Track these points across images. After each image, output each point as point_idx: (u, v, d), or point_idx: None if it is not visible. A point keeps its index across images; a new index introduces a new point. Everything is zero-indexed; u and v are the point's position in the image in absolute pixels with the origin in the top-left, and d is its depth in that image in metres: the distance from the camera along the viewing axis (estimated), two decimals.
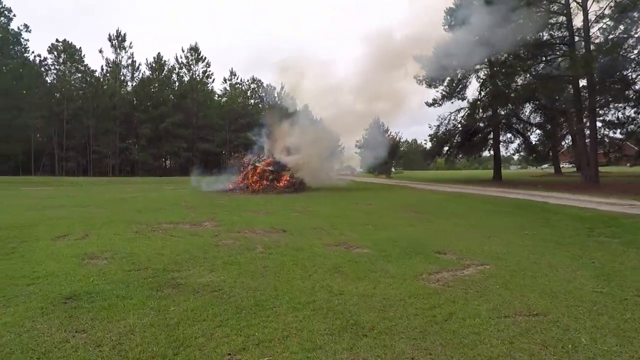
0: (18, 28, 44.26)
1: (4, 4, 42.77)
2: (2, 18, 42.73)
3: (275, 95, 74.90)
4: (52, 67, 47.64)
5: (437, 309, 3.01)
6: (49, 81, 47.51)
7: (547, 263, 4.36)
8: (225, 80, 65.11)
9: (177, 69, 56.24)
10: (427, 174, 74.37)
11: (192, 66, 56.70)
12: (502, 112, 28.07)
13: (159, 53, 56.49)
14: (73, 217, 7.66)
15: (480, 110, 29.75)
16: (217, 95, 63.50)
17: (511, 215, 8.59)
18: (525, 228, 6.84)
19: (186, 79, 56.86)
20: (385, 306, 3.04)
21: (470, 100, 30.16)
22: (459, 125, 30.06)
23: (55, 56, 47.16)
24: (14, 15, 43.67)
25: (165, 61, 54.84)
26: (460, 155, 33.83)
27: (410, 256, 4.70)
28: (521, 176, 40.58)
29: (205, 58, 57.21)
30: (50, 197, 13.15)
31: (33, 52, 46.44)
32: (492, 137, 30.37)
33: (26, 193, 15.70)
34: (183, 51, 59.43)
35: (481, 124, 30.07)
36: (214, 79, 63.48)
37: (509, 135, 31.35)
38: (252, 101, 69.21)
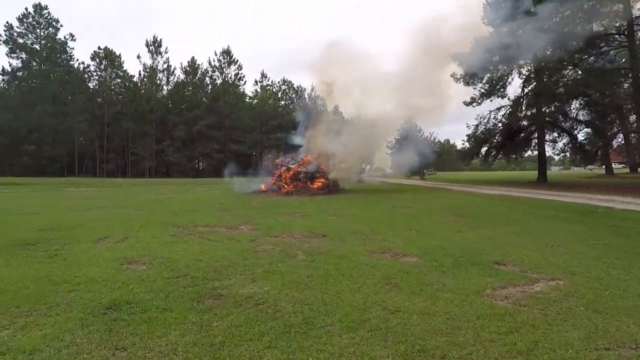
0: (64, 37, 47.50)
1: (52, 15, 45.99)
2: (50, 29, 45.94)
3: (306, 96, 75.80)
4: (95, 74, 50.67)
5: (515, 334, 2.58)
6: (91, 87, 50.50)
7: (638, 280, 3.75)
8: (256, 82, 66.35)
9: (210, 72, 57.99)
10: (462, 175, 71.68)
11: (224, 69, 58.19)
12: (548, 110, 26.26)
13: (192, 57, 58.50)
14: (113, 219, 7.80)
15: (524, 108, 28.15)
16: (248, 97, 64.75)
17: (571, 222, 7.80)
18: (592, 237, 6.12)
19: (219, 81, 58.42)
20: (452, 328, 2.65)
21: (512, 98, 28.65)
22: (500, 124, 28.56)
23: (97, 63, 50.12)
24: (61, 26, 46.87)
25: (198, 65, 56.74)
26: (500, 156, 32.18)
27: (466, 267, 4.25)
28: (567, 177, 38.08)
29: (237, 61, 58.61)
30: (92, 199, 13.70)
31: (77, 60, 49.58)
32: (536, 136, 28.56)
33: (70, 194, 16.52)
34: (216, 54, 61.29)
35: (524, 123, 28.39)
36: (245, 81, 64.74)
37: (554, 134, 29.40)
38: (282, 102, 70.01)
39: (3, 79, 46.95)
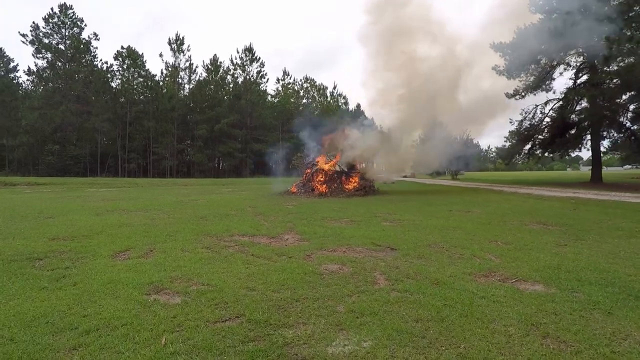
0: (88, 37, 48.37)
1: (76, 14, 46.91)
2: (75, 28, 46.89)
3: (328, 94, 74.62)
4: (117, 73, 51.35)
5: None
6: (114, 86, 51.23)
7: None
8: (278, 80, 65.87)
9: (231, 70, 57.81)
10: (492, 175, 68.50)
11: (246, 67, 57.84)
12: (606, 103, 23.91)
13: (214, 54, 58.61)
14: (135, 225, 6.89)
15: (576, 101, 25.91)
16: (270, 96, 64.33)
17: None
18: None
19: (240, 79, 58.19)
20: None
21: (563, 90, 26.46)
22: (548, 119, 26.43)
23: (120, 62, 50.78)
24: (85, 25, 47.74)
25: (220, 62, 56.64)
26: (547, 154, 29.92)
27: (634, 304, 2.97)
28: (620, 178, 35.19)
29: (259, 58, 58.12)
30: (113, 200, 13.04)
31: (101, 60, 50.42)
32: (589, 132, 26.22)
33: (91, 195, 16.03)
34: (238, 52, 61.19)
35: (574, 117, 26.16)
36: (268, 79, 64.45)
37: (611, 130, 26.91)
38: (304, 101, 69.21)
39: (29, 79, 48.37)
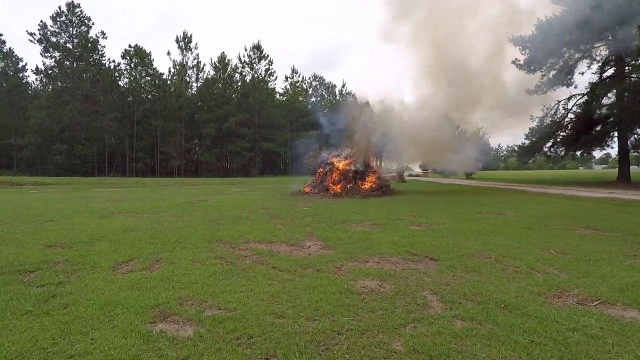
0: (96, 35, 48.46)
1: (84, 13, 47.05)
2: (82, 27, 47.03)
3: (337, 92, 73.90)
4: (125, 72, 51.43)
5: None
6: (121, 85, 51.33)
7: None
8: (286, 78, 65.42)
9: (239, 68, 57.50)
10: (506, 174, 66.90)
11: (254, 65, 57.49)
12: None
13: (222, 52, 58.40)
14: (141, 229, 6.36)
15: (603, 96, 24.80)
16: (278, 94, 63.91)
17: None
18: None
19: (248, 77, 57.87)
20: None
21: (587, 85, 25.39)
22: (572, 116, 25.37)
23: (128, 61, 50.84)
24: (93, 24, 47.87)
25: (228, 60, 56.36)
26: (570, 152, 28.82)
27: None
28: None
29: (267, 56, 57.70)
30: (119, 201, 12.62)
31: (108, 59, 50.57)
32: (617, 128, 25.07)
33: (97, 195, 15.67)
34: (246, 50, 60.93)
35: (601, 113, 25.02)
36: (276, 77, 64.07)
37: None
38: (313, 99, 68.67)
39: (37, 78, 48.67)
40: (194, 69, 55.63)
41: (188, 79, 56.00)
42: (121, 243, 5.16)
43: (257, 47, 57.24)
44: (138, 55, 50.59)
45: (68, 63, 47.11)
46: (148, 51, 51.49)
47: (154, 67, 52.16)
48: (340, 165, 15.90)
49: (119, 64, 50.83)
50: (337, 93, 73.12)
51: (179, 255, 4.51)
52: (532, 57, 25.70)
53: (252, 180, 37.09)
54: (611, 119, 24.42)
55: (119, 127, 48.08)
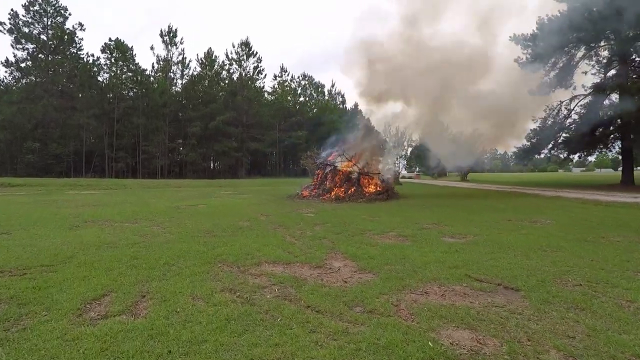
0: (73, 27, 46.23)
1: (60, 2, 44.76)
2: (58, 17, 44.75)
3: (326, 92, 72.96)
4: (105, 67, 49.24)
5: None
6: (101, 80, 49.10)
7: None
8: (275, 77, 64.11)
9: (227, 65, 55.90)
10: (499, 176, 67.06)
11: (242, 62, 55.99)
12: None
13: (209, 48, 56.64)
14: (120, 244, 5.17)
15: (606, 97, 24.53)
16: (267, 93, 62.59)
17: None
18: None
19: (236, 75, 56.33)
20: None
21: (591, 85, 25.06)
22: (576, 116, 25.02)
23: (108, 55, 48.66)
24: (69, 14, 45.61)
25: (216, 57, 54.72)
26: (571, 154, 28.56)
27: None
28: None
29: (256, 53, 56.28)
30: (95, 206, 11.27)
31: (87, 52, 48.34)
32: (621, 130, 24.82)
33: (71, 199, 14.21)
34: (234, 46, 59.43)
35: (605, 114, 24.73)
36: (265, 74, 62.67)
37: None
38: (302, 99, 67.55)
39: (7, 71, 46.04)
40: (179, 65, 53.81)
41: (173, 76, 54.12)
42: (94, 267, 3.97)
43: (246, 44, 55.82)
44: (119, 50, 48.50)
45: (42, 56, 44.73)
46: (130, 46, 49.52)
47: (136, 62, 50.16)
48: (343, 167, 14.87)
49: (98, 58, 48.71)
50: (326, 93, 72.31)
51: (173, 286, 3.36)
52: (533, 56, 25.27)
53: (241, 181, 35.69)
54: (616, 121, 24.16)
55: (97, 125, 45.92)
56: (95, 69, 48.49)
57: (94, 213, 9.00)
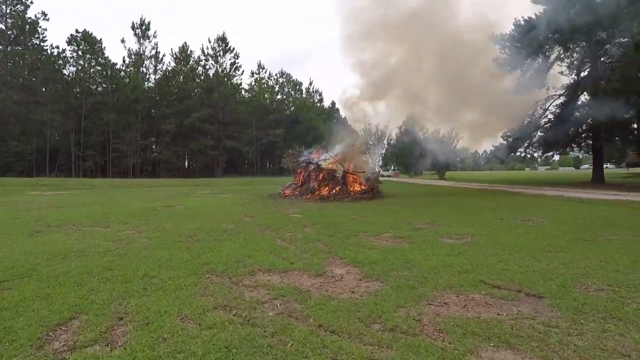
0: (35, 16, 43.48)
1: None
2: (18, 5, 41.95)
3: (303, 90, 72.36)
4: (71, 59, 46.61)
5: None
6: (67, 74, 46.48)
7: None
8: (252, 73, 62.90)
9: (202, 61, 54.24)
10: (471, 175, 68.64)
11: (219, 58, 54.49)
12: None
13: (184, 43, 54.66)
14: (90, 253, 4.58)
15: (579, 98, 25.43)
16: (244, 90, 61.28)
17: None
18: None
19: (212, 71, 54.76)
20: None
21: (565, 85, 25.89)
22: (551, 117, 25.77)
23: (74, 47, 46.10)
24: (31, 2, 42.81)
25: (191, 52, 52.96)
26: (545, 153, 29.52)
27: None
28: (609, 178, 35.61)
29: (233, 49, 54.87)
30: (62, 207, 10.40)
31: (51, 44, 45.62)
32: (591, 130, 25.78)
33: (32, 200, 13.15)
34: (210, 42, 57.81)
35: (577, 114, 25.61)
36: (242, 71, 61.27)
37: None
38: (279, 96, 66.65)
39: None
40: (152, 59, 51.76)
41: (145, 70, 52.00)
42: (59, 282, 3.40)
43: (222, 39, 54.37)
44: (87, 42, 46.05)
45: (1, 47, 41.85)
46: (99, 38, 47.13)
47: (105, 55, 47.83)
48: (326, 165, 14.51)
49: (64, 50, 46.00)
50: (304, 91, 71.67)
51: (156, 303, 2.88)
52: (511, 56, 25.79)
53: (218, 180, 34.66)
54: (587, 121, 25.06)
55: (63, 121, 43.43)
56: (61, 61, 45.81)
57: (59, 216, 8.21)
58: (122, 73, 49.85)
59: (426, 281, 3.59)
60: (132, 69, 50.87)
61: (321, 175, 14.15)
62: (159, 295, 3.07)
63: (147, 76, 52.34)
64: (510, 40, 25.79)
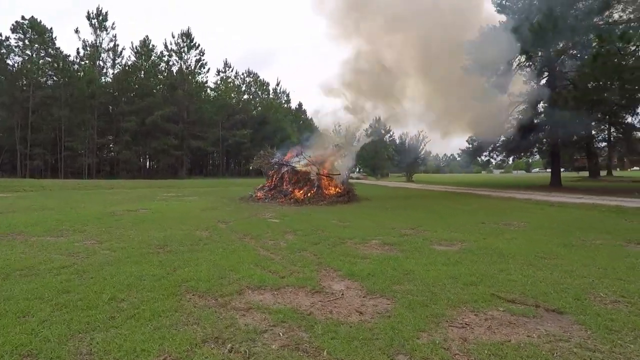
0: None
1: None
2: None
3: (270, 90, 71.34)
4: (17, 49, 42.83)
5: None
6: (10, 64, 42.65)
7: None
8: (218, 71, 61.08)
9: (166, 56, 51.83)
10: (434, 177, 70.77)
11: (183, 54, 52.31)
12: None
13: (146, 36, 51.83)
14: (40, 272, 3.86)
15: (537, 104, 26.76)
16: (209, 88, 59.33)
17: None
18: None
19: (176, 68, 52.48)
20: None
21: (524, 92, 27.15)
22: (514, 122, 26.96)
23: (20, 36, 42.43)
24: None
25: (153, 46, 50.43)
26: (504, 156, 30.86)
27: None
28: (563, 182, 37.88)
29: (198, 45, 52.91)
30: (2, 213, 9.25)
31: None
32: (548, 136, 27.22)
33: None
34: (174, 37, 55.49)
35: (536, 120, 26.97)
36: (208, 69, 59.21)
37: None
38: (246, 96, 65.23)
39: None
40: (110, 52, 48.81)
41: (102, 64, 48.90)
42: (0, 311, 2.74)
43: (187, 35, 52.30)
44: (35, 30, 42.56)
45: None
46: (49, 27, 43.75)
47: (56, 46, 44.48)
48: (301, 167, 14.07)
49: (7, 38, 42.20)
50: (271, 91, 70.60)
51: (129, 338, 2.33)
52: (476, 63, 26.61)
53: (183, 182, 33.12)
54: (545, 127, 26.43)
55: (7, 116, 39.83)
56: (4, 50, 42.04)
57: (0, 223, 7.18)
58: (76, 66, 46.54)
59: (436, 297, 3.28)
60: (87, 62, 47.63)
61: (295, 177, 13.69)
62: (132, 325, 2.52)
63: (105, 70, 49.37)
64: (476, 47, 26.71)
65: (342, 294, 3.39)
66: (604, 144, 35.24)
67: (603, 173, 39.31)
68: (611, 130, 32.98)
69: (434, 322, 2.71)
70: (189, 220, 7.98)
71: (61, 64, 44.15)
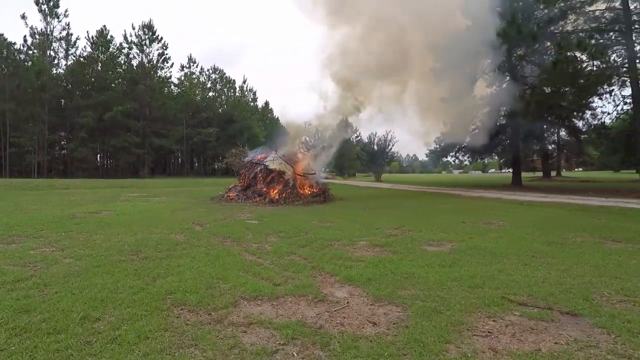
0: None
1: None
2: None
3: (237, 88, 69.71)
4: None
5: None
6: None
7: None
8: (182, 67, 58.78)
9: (126, 49, 49.06)
10: (401, 177, 72.54)
11: (145, 47, 49.77)
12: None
13: (103, 26, 48.68)
14: None
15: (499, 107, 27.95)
16: (173, 84, 56.88)
17: None
18: None
19: (136, 61, 49.85)
20: None
21: (481, 97, 28.28)
22: (479, 124, 27.98)
23: None
24: None
25: (111, 37, 47.51)
26: (472, 158, 32.04)
27: None
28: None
29: (161, 39, 50.57)
30: None
31: None
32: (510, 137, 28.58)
33: None
34: (134, 28, 52.61)
35: (499, 123, 28.16)
36: (172, 64, 56.78)
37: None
38: (211, 94, 63.32)
39: None
40: (63, 42, 45.42)
41: (54, 54, 45.40)
42: None
43: (149, 27, 49.85)
44: None
45: None
46: None
47: None
48: (275, 166, 13.66)
49: None
50: (237, 89, 68.94)
51: None
52: (443, 65, 27.31)
53: (147, 182, 31.44)
54: (506, 130, 27.69)
55: None
56: None
57: None
58: (23, 55, 42.86)
59: (446, 302, 3.09)
60: (36, 51, 44.02)
61: (270, 177, 13.26)
62: (115, 352, 2.10)
63: (57, 61, 45.87)
64: (443, 50, 27.45)
65: (348, 302, 3.13)
66: (553, 146, 37.77)
67: (553, 173, 41.75)
68: (560, 134, 35.32)
69: (456, 332, 2.51)
70: (161, 223, 7.39)
71: (5, 52, 40.48)
